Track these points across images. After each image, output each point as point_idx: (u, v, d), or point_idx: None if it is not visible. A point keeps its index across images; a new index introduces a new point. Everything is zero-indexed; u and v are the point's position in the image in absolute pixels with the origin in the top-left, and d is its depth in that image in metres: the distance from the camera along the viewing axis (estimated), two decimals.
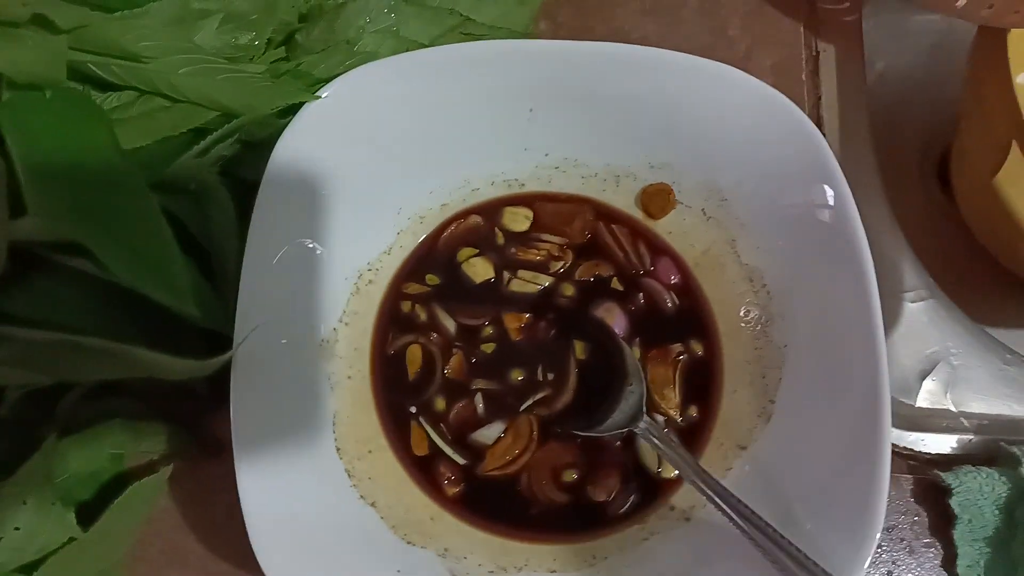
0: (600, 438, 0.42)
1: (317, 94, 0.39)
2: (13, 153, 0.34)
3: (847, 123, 0.53)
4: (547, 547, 0.41)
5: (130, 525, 0.42)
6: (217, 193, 0.39)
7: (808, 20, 0.54)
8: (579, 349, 0.44)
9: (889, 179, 0.59)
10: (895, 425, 0.46)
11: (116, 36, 0.38)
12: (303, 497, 0.37)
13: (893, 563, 0.44)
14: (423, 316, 0.44)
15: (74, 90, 0.38)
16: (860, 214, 0.50)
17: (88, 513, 0.40)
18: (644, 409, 0.41)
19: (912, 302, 0.50)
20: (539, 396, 0.43)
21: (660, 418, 0.43)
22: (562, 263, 0.46)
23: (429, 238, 0.46)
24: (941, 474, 0.44)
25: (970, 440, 0.46)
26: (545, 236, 0.46)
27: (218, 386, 0.37)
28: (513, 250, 0.46)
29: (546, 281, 0.45)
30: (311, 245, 0.40)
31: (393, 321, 0.44)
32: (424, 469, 0.42)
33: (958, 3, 0.47)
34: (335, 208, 0.42)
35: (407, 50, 0.45)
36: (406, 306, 0.45)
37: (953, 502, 0.43)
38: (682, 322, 0.45)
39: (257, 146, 0.41)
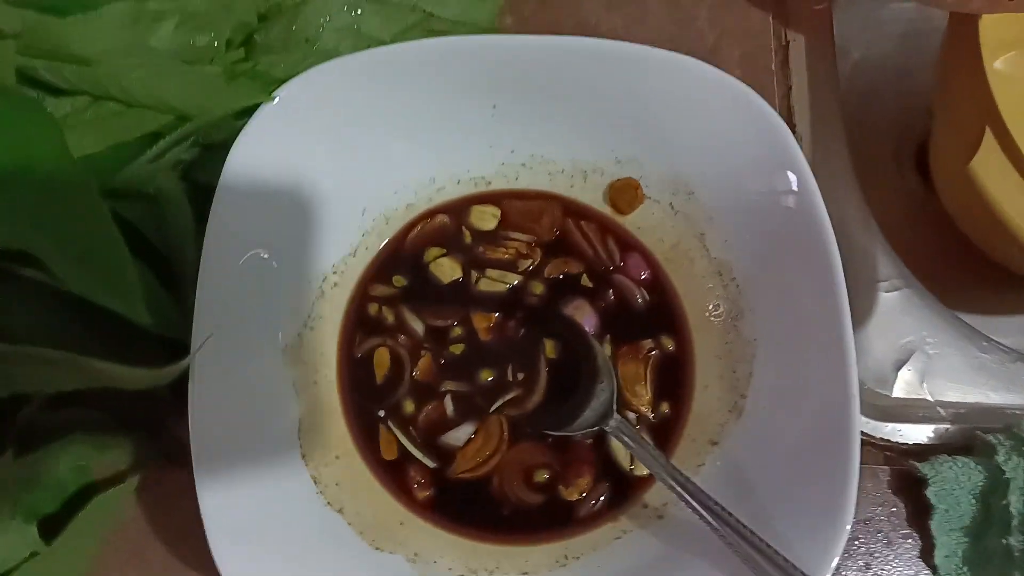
0: (571, 437, 0.42)
1: (273, 95, 0.39)
2: None
3: (818, 113, 0.52)
4: (519, 548, 0.40)
5: (96, 537, 0.41)
6: (174, 197, 0.39)
7: (777, 10, 0.54)
8: (549, 348, 0.44)
9: (865, 168, 0.58)
10: (871, 416, 0.46)
11: (67, 40, 0.37)
12: (267, 505, 0.37)
13: (871, 555, 0.44)
14: (390, 318, 0.44)
15: (22, 95, 0.37)
16: (833, 205, 0.50)
17: (52, 526, 0.39)
18: (615, 407, 0.41)
19: (887, 292, 0.49)
20: (509, 396, 0.43)
21: (632, 415, 0.43)
22: (531, 261, 0.45)
23: (395, 239, 0.45)
24: (917, 464, 0.44)
25: (947, 429, 0.46)
26: (513, 234, 0.46)
27: (182, 391, 0.37)
28: (481, 249, 0.46)
29: (515, 280, 0.45)
30: (272, 249, 0.40)
31: (360, 324, 0.44)
32: (393, 473, 0.41)
33: None
34: (296, 210, 0.41)
35: (368, 48, 0.44)
36: (373, 308, 0.44)
37: (929, 492, 0.43)
38: (652, 318, 0.44)
39: (216, 148, 0.40)
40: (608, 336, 0.44)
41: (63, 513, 0.41)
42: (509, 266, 0.45)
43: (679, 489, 0.37)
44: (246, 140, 0.38)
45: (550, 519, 0.41)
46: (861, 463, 0.44)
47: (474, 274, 0.45)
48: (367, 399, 0.43)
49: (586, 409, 0.41)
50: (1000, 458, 0.42)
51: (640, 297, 0.45)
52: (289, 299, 0.41)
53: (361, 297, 0.44)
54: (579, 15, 0.52)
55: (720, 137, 0.41)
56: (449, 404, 0.43)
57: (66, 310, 0.36)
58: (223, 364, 0.37)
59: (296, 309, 0.42)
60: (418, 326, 0.44)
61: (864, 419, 0.46)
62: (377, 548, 0.39)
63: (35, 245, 0.32)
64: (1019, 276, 0.56)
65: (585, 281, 0.45)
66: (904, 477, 0.45)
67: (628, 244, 0.46)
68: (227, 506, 0.35)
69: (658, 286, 0.45)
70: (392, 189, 0.45)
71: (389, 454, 0.42)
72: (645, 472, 0.41)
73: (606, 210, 0.46)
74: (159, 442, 0.43)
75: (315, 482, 0.39)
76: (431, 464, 0.41)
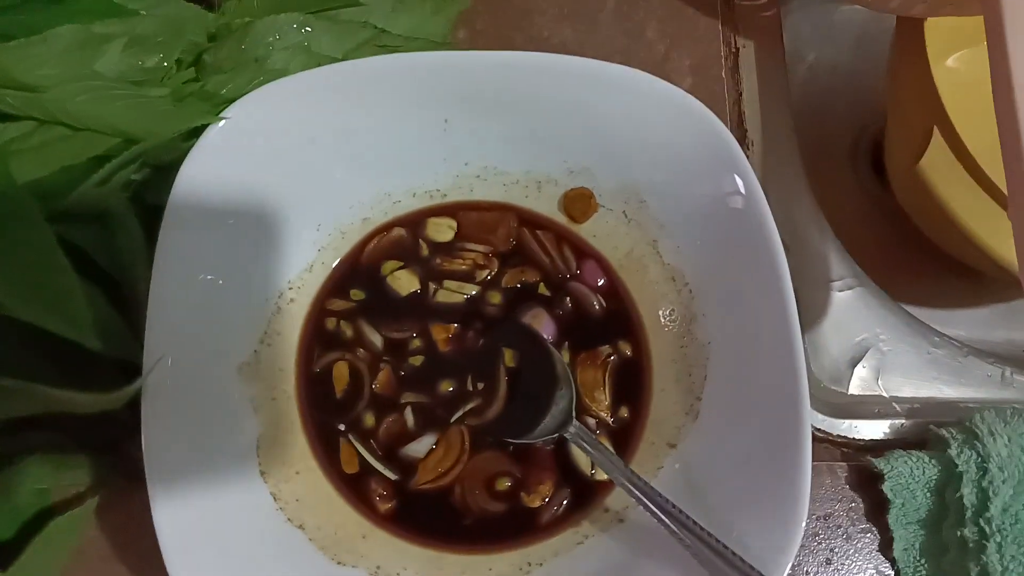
0: (532, 444, 0.42)
1: (221, 115, 0.39)
2: None
3: (769, 117, 0.53)
4: (482, 557, 0.41)
5: (54, 561, 0.41)
6: (124, 220, 0.39)
7: (725, 17, 0.54)
8: (508, 357, 0.44)
9: (819, 169, 0.59)
10: (828, 414, 0.47)
11: (10, 67, 0.37)
12: (225, 524, 0.37)
13: (831, 551, 0.44)
14: (349, 332, 0.44)
15: None
16: (785, 208, 0.51)
17: (10, 551, 0.39)
18: (573, 413, 0.41)
19: (840, 291, 0.50)
20: (469, 406, 0.43)
21: (592, 420, 0.43)
22: (488, 271, 0.46)
23: (351, 253, 0.45)
24: (873, 460, 0.45)
25: (902, 424, 0.47)
26: (470, 245, 0.46)
27: (140, 411, 0.37)
28: (438, 261, 0.46)
29: (472, 290, 0.45)
30: (225, 268, 0.40)
31: (318, 339, 0.44)
32: (355, 487, 0.41)
33: None
34: (249, 228, 0.41)
35: (318, 66, 0.44)
36: (331, 323, 0.44)
37: (886, 487, 0.44)
38: (609, 324, 0.45)
39: (165, 169, 0.40)
40: (566, 343, 0.44)
41: (20, 537, 0.41)
42: (466, 277, 0.46)
43: (637, 493, 0.38)
44: (194, 161, 0.38)
45: (513, 527, 0.41)
46: (819, 460, 0.46)
47: (432, 286, 0.45)
48: (327, 414, 0.43)
49: (546, 416, 0.42)
50: (953, 452, 0.43)
51: (597, 304, 0.45)
52: (244, 317, 0.41)
53: (319, 312, 0.44)
54: (531, 28, 0.53)
55: (668, 147, 0.42)
56: (409, 416, 0.43)
57: (19, 334, 0.36)
58: (177, 384, 0.37)
59: (252, 326, 0.42)
60: (377, 339, 0.44)
61: (821, 416, 0.46)
62: (339, 563, 0.39)
63: None
64: (972, 268, 0.57)
65: (542, 289, 0.45)
66: (862, 473, 0.46)
67: (583, 252, 0.46)
68: (184, 527, 0.35)
69: (614, 293, 0.45)
70: (347, 204, 0.45)
71: (350, 468, 0.42)
72: (605, 477, 0.42)
73: (561, 219, 0.46)
74: (118, 463, 0.43)
75: (275, 499, 0.39)
76: (392, 476, 0.42)
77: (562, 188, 0.46)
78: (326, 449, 0.42)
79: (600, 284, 0.45)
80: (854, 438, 0.46)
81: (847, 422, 0.47)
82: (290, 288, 0.44)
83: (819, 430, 0.46)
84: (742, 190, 0.40)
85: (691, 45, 0.53)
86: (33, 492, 0.42)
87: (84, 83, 0.38)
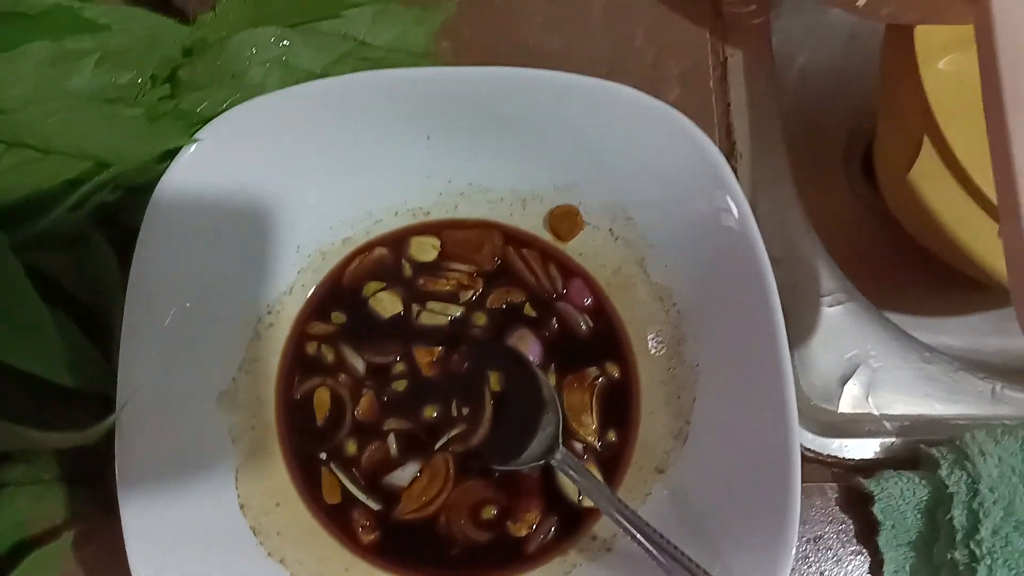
0: (518, 471, 0.41)
1: (195, 136, 0.38)
2: None
3: (758, 129, 0.52)
4: None
5: None
6: (97, 247, 0.37)
7: (714, 26, 0.53)
8: (494, 380, 0.43)
9: (809, 179, 0.58)
10: (818, 433, 0.46)
11: None
12: (204, 561, 0.36)
13: (821, 573, 0.44)
14: (330, 357, 0.43)
15: None
16: (774, 222, 0.50)
17: None
18: (560, 439, 0.41)
19: (830, 306, 0.49)
20: (454, 432, 0.42)
21: (579, 446, 0.42)
22: (473, 291, 0.45)
23: (332, 274, 0.44)
24: (864, 481, 0.44)
25: (892, 443, 0.46)
26: (454, 264, 0.45)
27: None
28: (421, 281, 0.45)
29: (457, 311, 0.44)
30: (201, 293, 0.39)
31: (298, 364, 0.43)
32: (337, 518, 0.40)
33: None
34: (226, 252, 0.40)
35: (297, 80, 0.43)
36: (311, 347, 0.43)
37: (876, 509, 0.43)
38: (597, 345, 0.44)
39: (139, 191, 0.39)
40: (553, 365, 0.44)
41: None
42: (451, 297, 0.45)
43: (625, 523, 0.37)
44: (168, 184, 0.37)
45: (499, 556, 0.40)
46: (809, 481, 0.45)
47: (415, 307, 0.44)
48: (308, 442, 0.42)
49: (532, 442, 0.41)
50: (943, 472, 0.42)
51: (584, 324, 0.44)
52: (222, 344, 0.40)
53: (299, 336, 0.43)
54: (517, 37, 0.52)
55: (655, 163, 0.41)
56: (393, 443, 0.42)
57: None
58: (152, 417, 0.36)
59: (230, 353, 0.41)
60: (359, 363, 0.43)
61: (811, 436, 0.46)
62: None
63: None
64: (964, 275, 0.56)
65: (528, 310, 0.44)
66: (852, 493, 0.45)
67: (570, 270, 0.45)
68: (160, 564, 0.34)
69: (601, 312, 0.44)
70: (327, 224, 0.44)
71: (332, 498, 0.41)
72: (593, 504, 0.41)
73: (547, 237, 0.45)
74: (96, 494, 0.42)
75: (255, 533, 0.38)
76: (375, 506, 0.41)
77: (547, 205, 0.45)
78: (307, 479, 0.41)
79: (587, 303, 0.45)
80: (844, 458, 0.46)
81: (837, 441, 0.46)
82: (269, 312, 0.43)
83: (809, 450, 0.45)
84: (730, 207, 0.39)
85: (680, 54, 0.52)
86: (9, 525, 0.41)
87: (56, 104, 0.36)
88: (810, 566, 0.44)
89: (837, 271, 0.50)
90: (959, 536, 0.41)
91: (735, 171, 0.41)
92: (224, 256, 0.40)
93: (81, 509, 0.42)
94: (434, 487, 0.41)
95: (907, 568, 0.43)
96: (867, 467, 0.45)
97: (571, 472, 0.39)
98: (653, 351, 0.43)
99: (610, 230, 0.44)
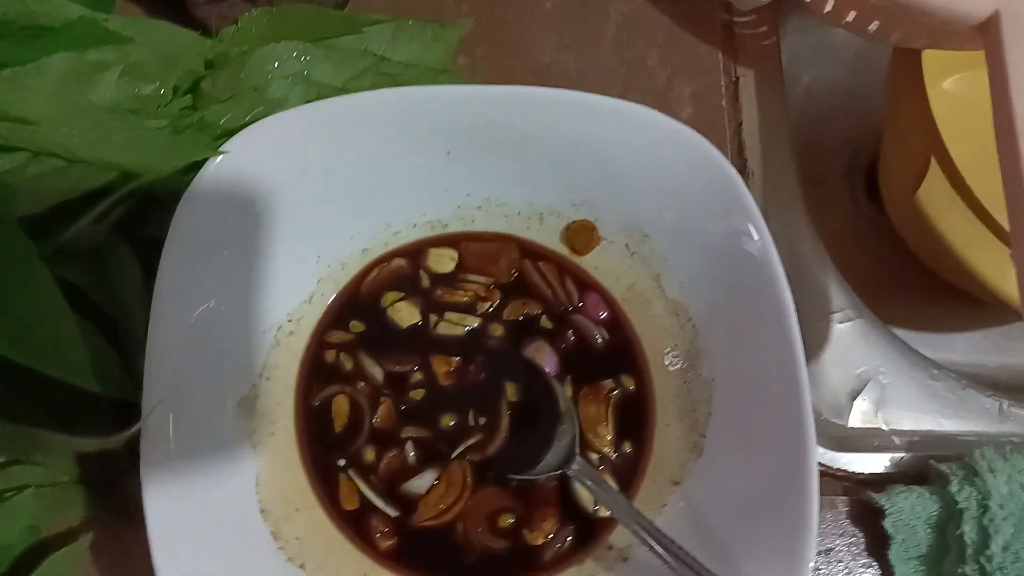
0: (535, 480, 0.42)
1: (220, 149, 0.38)
2: None
3: (769, 148, 0.53)
4: None
5: None
6: (121, 257, 0.38)
7: (726, 46, 0.54)
8: (510, 391, 0.44)
9: (817, 197, 0.59)
10: (828, 447, 0.47)
11: (3, 101, 0.36)
12: (226, 566, 0.36)
13: None
14: (348, 365, 0.43)
15: None
16: (785, 239, 0.51)
17: None
18: (576, 450, 0.41)
19: (840, 323, 0.50)
20: (471, 441, 0.42)
21: (595, 456, 0.43)
22: (489, 303, 0.45)
23: (351, 284, 0.45)
24: (874, 495, 0.44)
25: (902, 458, 0.47)
26: (471, 276, 0.46)
27: (136, 447, 0.36)
28: (439, 292, 0.45)
29: (474, 322, 0.45)
30: (223, 303, 0.39)
31: (317, 372, 0.43)
32: (355, 524, 0.41)
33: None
34: (249, 261, 0.41)
35: (318, 94, 0.44)
36: (330, 355, 0.43)
37: (887, 523, 0.44)
38: (612, 357, 0.45)
39: (163, 202, 0.39)
40: (569, 377, 0.44)
41: (13, 575, 0.40)
42: (468, 309, 0.45)
43: (641, 532, 0.37)
44: (193, 195, 0.38)
45: (515, 564, 0.41)
46: (820, 494, 0.45)
47: (433, 318, 0.45)
48: (327, 449, 0.42)
49: (548, 452, 0.41)
50: (953, 488, 0.43)
51: (600, 337, 0.45)
52: (243, 351, 0.41)
53: (318, 344, 0.44)
54: (532, 56, 0.53)
55: (671, 182, 0.42)
56: (410, 451, 0.42)
57: (14, 375, 0.35)
58: (176, 423, 0.36)
59: (250, 361, 0.41)
60: (377, 372, 0.43)
61: (822, 450, 0.46)
62: None
63: None
64: (969, 293, 0.57)
65: (544, 322, 0.45)
66: (863, 507, 0.46)
67: (586, 284, 0.46)
68: (184, 568, 0.35)
69: (617, 325, 0.45)
70: (347, 235, 0.45)
71: (350, 504, 0.41)
72: (609, 513, 0.41)
73: (563, 251, 0.46)
74: (113, 498, 0.42)
75: (275, 538, 0.38)
76: (393, 513, 0.41)
77: (564, 220, 0.46)
78: (326, 485, 0.41)
79: (603, 317, 0.45)
80: (855, 472, 0.46)
81: (847, 455, 0.47)
82: (289, 320, 0.43)
83: (820, 464, 0.46)
84: (750, 232, 0.40)
85: (692, 74, 0.53)
86: (27, 527, 0.41)
87: (80, 117, 0.37)
88: None
89: (847, 288, 0.51)
90: (969, 551, 0.42)
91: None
92: (246, 265, 0.41)
93: (96, 514, 0.42)
94: (451, 495, 0.41)
95: None
96: (877, 481, 0.46)
97: (588, 482, 0.40)
98: (669, 365, 0.44)
99: (626, 245, 0.45)
